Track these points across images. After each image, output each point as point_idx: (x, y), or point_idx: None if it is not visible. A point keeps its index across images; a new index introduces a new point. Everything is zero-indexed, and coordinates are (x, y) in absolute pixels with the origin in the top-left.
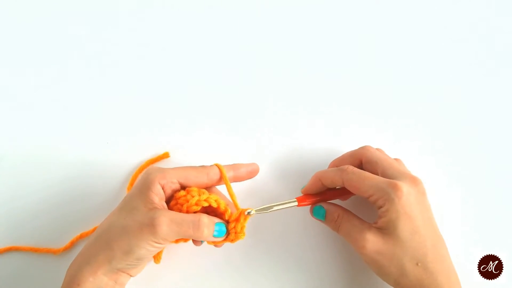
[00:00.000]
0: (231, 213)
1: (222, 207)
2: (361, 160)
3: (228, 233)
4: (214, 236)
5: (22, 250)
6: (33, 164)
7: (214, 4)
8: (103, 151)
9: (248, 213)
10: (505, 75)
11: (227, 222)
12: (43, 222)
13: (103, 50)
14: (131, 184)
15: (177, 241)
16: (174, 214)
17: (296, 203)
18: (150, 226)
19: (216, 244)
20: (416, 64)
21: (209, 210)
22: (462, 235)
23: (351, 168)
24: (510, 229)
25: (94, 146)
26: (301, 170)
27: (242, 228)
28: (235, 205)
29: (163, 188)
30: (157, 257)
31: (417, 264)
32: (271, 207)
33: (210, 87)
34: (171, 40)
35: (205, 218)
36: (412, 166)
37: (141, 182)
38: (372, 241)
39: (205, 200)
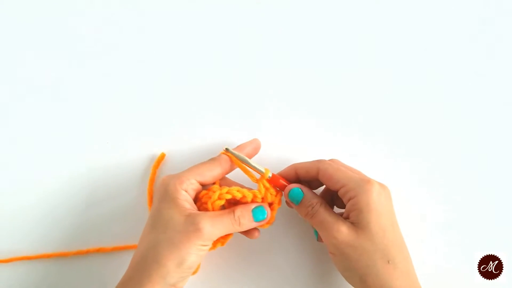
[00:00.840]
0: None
1: (247, 193)
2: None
3: (272, 206)
4: (258, 220)
5: (51, 257)
6: (32, 164)
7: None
8: (103, 151)
9: (226, 149)
10: (485, 82)
11: (263, 200)
12: (43, 223)
13: (103, 51)
14: (150, 199)
15: (214, 246)
16: (212, 213)
17: (269, 176)
18: (195, 231)
19: (269, 223)
20: (402, 76)
21: (243, 202)
22: (462, 235)
23: (328, 161)
24: (510, 229)
25: (94, 145)
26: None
27: (277, 193)
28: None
29: (186, 192)
30: (197, 268)
31: (388, 262)
32: (247, 161)
33: (207, 87)
34: (169, 42)
35: (238, 210)
36: (410, 165)
37: (163, 194)
38: (345, 233)
39: (227, 193)
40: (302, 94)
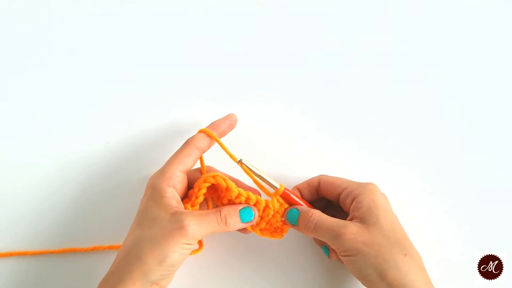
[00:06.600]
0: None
1: (221, 180)
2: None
3: (260, 207)
4: (245, 221)
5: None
6: (31, 165)
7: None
8: (103, 151)
9: (240, 160)
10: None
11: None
12: (43, 223)
13: (100, 50)
14: None
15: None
16: (197, 212)
17: (281, 190)
18: (179, 229)
19: (282, 235)
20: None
21: (229, 197)
22: (462, 235)
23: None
24: (509, 229)
25: (94, 146)
26: (300, 172)
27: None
28: (232, 158)
29: (174, 188)
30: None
31: (405, 255)
32: (260, 175)
33: (207, 87)
34: (168, 41)
35: (225, 209)
36: (409, 166)
37: (150, 193)
38: (357, 232)
39: (204, 181)
40: (298, 90)
